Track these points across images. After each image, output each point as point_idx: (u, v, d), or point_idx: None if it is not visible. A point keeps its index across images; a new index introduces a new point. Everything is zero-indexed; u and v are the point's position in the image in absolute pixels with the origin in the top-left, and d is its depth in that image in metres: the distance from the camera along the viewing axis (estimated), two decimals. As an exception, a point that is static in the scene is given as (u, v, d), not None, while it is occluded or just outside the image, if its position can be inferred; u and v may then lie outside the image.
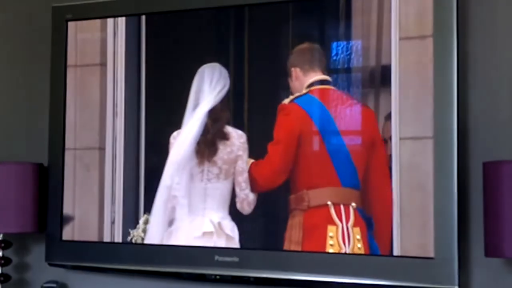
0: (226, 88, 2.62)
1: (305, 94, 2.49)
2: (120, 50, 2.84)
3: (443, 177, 2.38)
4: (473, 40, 2.55)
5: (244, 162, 2.58)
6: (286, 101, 2.53)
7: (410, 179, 2.41)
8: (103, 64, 2.87)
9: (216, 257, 2.67)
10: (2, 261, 3.01)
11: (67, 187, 2.90)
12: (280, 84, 2.63)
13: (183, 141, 2.64)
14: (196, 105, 2.65)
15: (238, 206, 2.60)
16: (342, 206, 2.40)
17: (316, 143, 2.48)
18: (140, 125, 2.79)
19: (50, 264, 2.97)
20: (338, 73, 2.49)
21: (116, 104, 2.83)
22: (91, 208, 2.87)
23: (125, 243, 2.82)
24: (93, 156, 2.87)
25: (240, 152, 2.61)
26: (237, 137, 2.61)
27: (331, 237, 2.42)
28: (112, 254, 2.84)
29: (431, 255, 2.38)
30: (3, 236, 3.01)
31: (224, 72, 2.64)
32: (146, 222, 2.76)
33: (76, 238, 2.89)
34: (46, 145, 2.98)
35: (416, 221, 2.41)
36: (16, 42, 3.26)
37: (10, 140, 3.22)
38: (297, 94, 2.51)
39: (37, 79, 3.16)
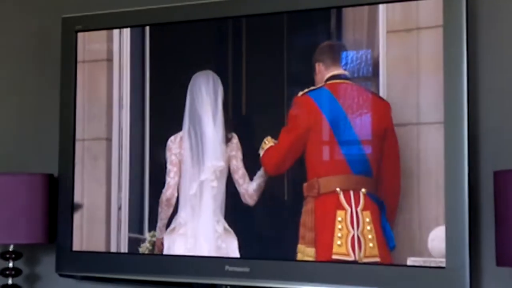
0: (221, 94, 2.73)
1: (320, 87, 2.59)
2: (126, 48, 2.90)
3: (453, 186, 2.38)
4: (483, 47, 2.55)
5: (239, 161, 2.68)
6: (300, 93, 2.61)
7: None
8: (110, 60, 2.92)
9: (227, 267, 2.67)
10: (13, 272, 3.01)
11: (76, 175, 2.94)
12: (275, 91, 2.69)
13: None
14: (193, 111, 2.75)
15: (242, 200, 2.68)
16: (352, 192, 2.51)
17: (325, 135, 2.57)
18: (145, 117, 2.86)
19: (61, 275, 2.97)
20: (353, 67, 2.58)
21: (122, 97, 2.89)
22: (99, 195, 2.91)
23: (136, 254, 2.83)
24: (101, 147, 2.91)
25: (233, 152, 2.69)
26: (231, 138, 2.72)
27: (339, 221, 2.51)
28: (122, 264, 2.84)
29: (417, 231, 2.43)
30: (14, 247, 3.02)
31: (217, 78, 2.74)
32: (153, 236, 2.80)
33: (84, 223, 2.92)
34: (56, 156, 2.98)
35: (401, 203, 2.46)
36: (26, 53, 3.27)
37: (20, 151, 3.24)
38: (312, 88, 2.60)
39: (47, 91, 3.17)
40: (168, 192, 2.76)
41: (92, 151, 2.92)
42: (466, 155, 2.38)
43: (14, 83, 3.29)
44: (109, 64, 2.92)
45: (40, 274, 3.17)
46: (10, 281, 3.01)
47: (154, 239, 2.80)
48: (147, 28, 2.87)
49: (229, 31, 2.77)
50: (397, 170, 2.46)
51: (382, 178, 2.50)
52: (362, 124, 2.52)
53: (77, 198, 2.93)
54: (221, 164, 2.68)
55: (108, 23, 2.93)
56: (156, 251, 2.79)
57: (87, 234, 2.92)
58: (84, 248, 2.91)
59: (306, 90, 2.60)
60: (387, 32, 2.52)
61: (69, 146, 2.94)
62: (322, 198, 2.54)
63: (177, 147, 2.75)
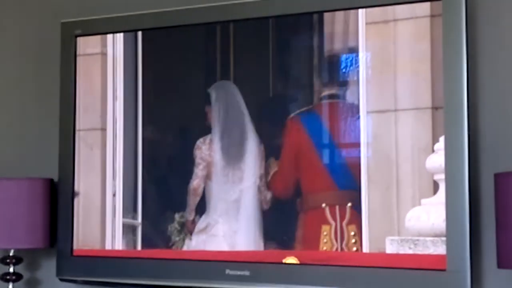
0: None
1: (309, 109, 2.70)
2: (119, 45, 2.96)
3: (454, 188, 2.38)
4: (483, 46, 2.55)
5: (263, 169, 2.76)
6: (291, 115, 2.72)
7: (376, 147, 2.55)
8: (104, 54, 2.98)
9: (227, 271, 2.67)
10: (13, 277, 3.01)
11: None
12: (263, 95, 2.78)
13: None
14: (224, 118, 2.84)
15: (259, 204, 2.76)
16: (337, 207, 2.63)
17: (312, 155, 2.69)
18: (138, 108, 2.93)
19: (61, 280, 2.97)
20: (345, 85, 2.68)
21: (116, 88, 2.95)
22: (94, 182, 2.95)
23: (136, 258, 2.83)
24: (96, 136, 2.96)
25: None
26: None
27: (324, 235, 2.63)
28: (123, 268, 2.85)
29: (395, 212, 2.48)
30: (14, 251, 3.02)
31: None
32: (182, 217, 2.85)
33: (81, 210, 2.96)
34: (56, 161, 2.99)
35: (380, 186, 2.52)
36: (25, 58, 3.27)
37: (20, 156, 3.24)
38: (303, 109, 2.71)
39: (47, 95, 3.17)
40: (195, 182, 2.85)
41: (88, 141, 2.98)
42: (466, 157, 2.38)
43: (14, 88, 3.29)
44: (103, 58, 2.97)
45: (41, 279, 3.17)
46: (10, 286, 3.02)
47: (183, 220, 2.84)
48: (139, 33, 2.92)
49: (217, 35, 2.84)
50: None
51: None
52: (347, 143, 2.64)
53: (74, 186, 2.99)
54: (261, 171, 2.76)
55: (109, 27, 2.95)
56: (185, 231, 2.82)
57: (83, 220, 2.95)
58: (81, 234, 2.93)
59: (297, 111, 2.70)
60: (366, 23, 2.58)
61: (69, 147, 2.96)
62: (310, 213, 2.67)
63: (207, 148, 2.85)
